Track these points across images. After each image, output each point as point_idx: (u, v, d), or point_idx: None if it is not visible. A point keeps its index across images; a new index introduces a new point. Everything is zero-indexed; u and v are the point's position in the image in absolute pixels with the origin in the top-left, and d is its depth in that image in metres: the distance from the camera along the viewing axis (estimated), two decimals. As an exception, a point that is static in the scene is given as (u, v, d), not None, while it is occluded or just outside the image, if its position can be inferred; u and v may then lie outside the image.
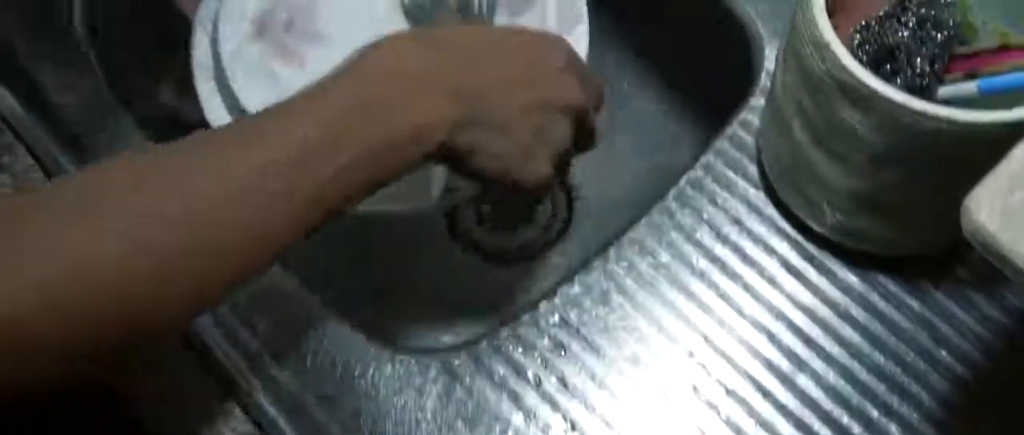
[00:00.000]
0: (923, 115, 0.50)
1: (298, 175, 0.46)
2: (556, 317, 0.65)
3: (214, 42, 0.69)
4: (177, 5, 0.76)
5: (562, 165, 0.57)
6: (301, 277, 0.71)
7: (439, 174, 0.66)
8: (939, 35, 0.55)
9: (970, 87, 0.54)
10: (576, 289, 0.66)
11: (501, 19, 0.71)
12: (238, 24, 0.69)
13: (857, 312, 0.64)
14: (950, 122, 0.49)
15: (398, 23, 0.71)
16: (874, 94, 0.50)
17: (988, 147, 0.47)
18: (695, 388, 0.62)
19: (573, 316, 0.65)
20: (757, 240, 0.67)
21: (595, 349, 0.64)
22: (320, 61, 0.70)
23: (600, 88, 0.59)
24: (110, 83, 0.77)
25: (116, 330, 0.44)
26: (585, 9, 0.71)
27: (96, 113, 0.75)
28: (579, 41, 0.70)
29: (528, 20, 0.70)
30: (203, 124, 0.82)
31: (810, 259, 0.66)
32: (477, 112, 0.51)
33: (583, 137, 0.58)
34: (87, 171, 0.48)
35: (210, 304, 0.49)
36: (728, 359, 0.63)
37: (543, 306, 0.66)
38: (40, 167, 0.73)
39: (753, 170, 0.69)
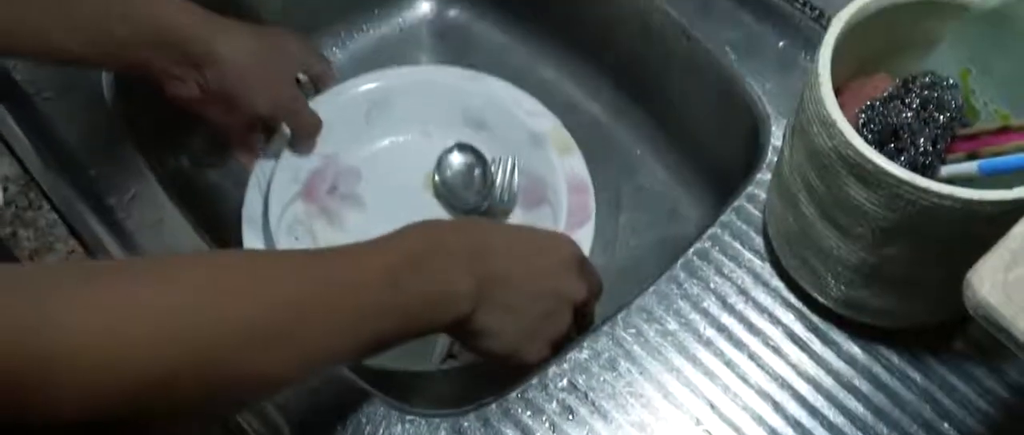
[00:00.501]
0: (926, 192, 0.51)
1: (381, 297, 0.54)
2: (565, 381, 0.66)
3: (265, 200, 0.79)
4: (235, 158, 0.84)
5: (559, 346, 0.65)
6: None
7: (442, 342, 0.72)
8: (941, 116, 0.57)
9: (971, 167, 0.56)
10: (585, 354, 0.67)
11: (518, 211, 0.83)
12: (289, 187, 0.79)
13: (861, 383, 0.65)
14: (952, 199, 0.51)
15: (428, 199, 0.85)
16: (879, 171, 0.52)
17: (989, 224, 0.49)
18: (701, 455, 0.63)
19: (581, 381, 0.66)
20: (763, 310, 0.68)
21: (603, 414, 0.65)
22: (358, 225, 0.81)
23: (599, 282, 0.67)
24: (137, 144, 0.79)
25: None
26: (593, 210, 0.81)
27: (120, 172, 0.77)
28: (585, 237, 0.80)
29: (543, 214, 0.81)
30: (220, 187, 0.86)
31: (815, 330, 0.67)
32: (496, 295, 0.59)
33: (582, 323, 0.67)
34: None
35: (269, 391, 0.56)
36: (734, 426, 0.64)
37: (552, 370, 0.67)
38: (64, 223, 0.74)
39: (759, 242, 0.71)
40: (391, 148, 0.85)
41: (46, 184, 0.76)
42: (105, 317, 0.43)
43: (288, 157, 0.80)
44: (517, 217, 0.85)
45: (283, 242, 0.76)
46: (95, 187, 0.76)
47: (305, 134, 0.80)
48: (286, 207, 0.78)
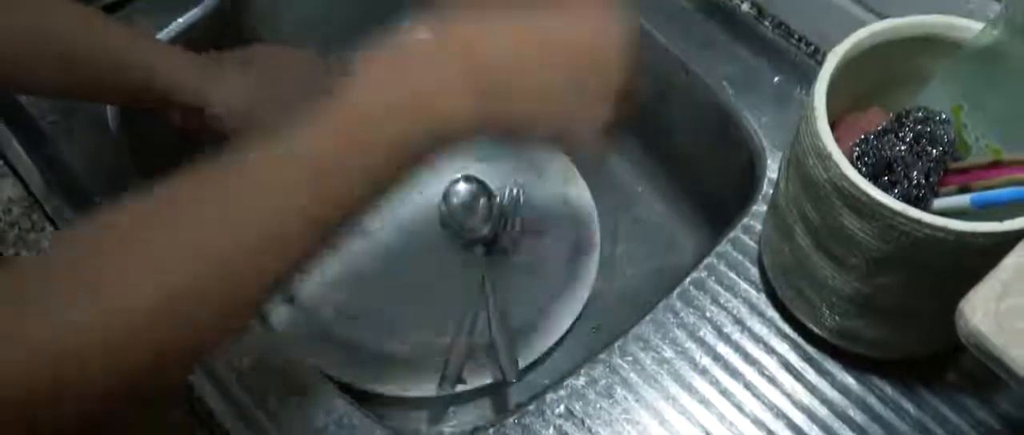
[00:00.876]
0: (919, 223, 0.52)
1: (319, 177, 0.46)
2: (561, 408, 0.67)
3: None
4: None
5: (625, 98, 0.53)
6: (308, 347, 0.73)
7: (454, 364, 0.75)
8: (934, 150, 0.58)
9: (963, 200, 0.57)
10: (581, 381, 0.68)
11: (524, 240, 0.86)
12: None
13: (854, 413, 0.65)
14: (945, 231, 0.52)
15: (435, 229, 0.85)
16: (874, 202, 0.53)
17: (981, 255, 0.49)
18: (696, 482, 0.64)
19: (578, 408, 0.67)
20: (758, 340, 0.69)
21: (599, 441, 0.65)
22: (364, 255, 0.79)
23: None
24: (140, 168, 0.80)
25: (158, 358, 0.44)
26: (599, 239, 0.86)
27: (123, 196, 0.78)
28: (590, 265, 0.84)
29: (547, 243, 0.85)
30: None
31: (809, 360, 0.68)
32: (512, 87, 0.48)
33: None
34: (100, 221, 0.47)
35: (245, 318, 0.49)
36: (729, 455, 0.65)
37: (549, 397, 0.67)
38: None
39: (755, 272, 0.72)
40: None
41: (49, 207, 0.76)
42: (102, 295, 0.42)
43: None
44: (524, 247, 0.86)
45: None
46: (97, 210, 0.77)
47: None
48: None
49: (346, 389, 0.75)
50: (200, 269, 0.44)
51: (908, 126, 0.59)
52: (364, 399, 0.76)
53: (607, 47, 0.51)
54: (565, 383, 0.68)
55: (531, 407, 0.67)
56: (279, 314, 0.82)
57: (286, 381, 0.68)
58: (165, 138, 0.86)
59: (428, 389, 0.77)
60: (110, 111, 0.82)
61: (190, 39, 0.86)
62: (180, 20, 0.88)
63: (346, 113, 0.47)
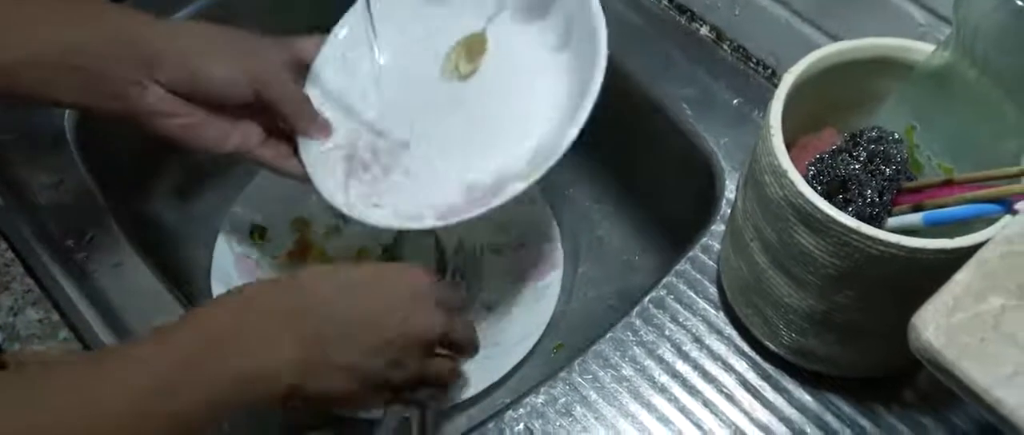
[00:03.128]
0: (873, 241, 0.53)
1: (170, 398, 0.52)
2: (520, 426, 0.67)
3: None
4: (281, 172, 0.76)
5: (441, 384, 0.65)
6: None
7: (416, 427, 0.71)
8: (888, 169, 0.59)
9: (916, 218, 0.58)
10: (540, 399, 0.68)
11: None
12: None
13: (811, 430, 0.66)
14: (898, 248, 0.53)
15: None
16: (828, 220, 0.54)
17: (933, 272, 0.50)
18: (655, 500, 0.64)
19: (537, 426, 0.67)
20: (716, 358, 0.69)
21: (559, 459, 0.65)
22: (415, 164, 0.76)
23: (461, 299, 0.67)
24: (98, 185, 0.79)
25: None
26: (561, 258, 0.87)
27: (80, 213, 0.77)
28: (553, 284, 0.85)
29: (513, 259, 0.83)
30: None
31: (767, 378, 0.68)
32: (329, 355, 0.57)
33: (459, 349, 0.67)
34: None
35: None
36: (687, 472, 0.65)
37: (508, 415, 0.67)
38: (20, 262, 0.74)
39: (713, 291, 0.72)
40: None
41: (3, 223, 0.75)
42: None
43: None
44: (486, 268, 0.86)
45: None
46: (53, 228, 0.76)
47: (304, 119, 0.71)
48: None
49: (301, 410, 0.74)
50: None
51: (862, 146, 0.60)
52: (319, 419, 0.76)
53: (419, 284, 0.63)
54: (524, 401, 0.68)
55: (490, 425, 0.67)
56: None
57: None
58: (124, 156, 0.86)
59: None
60: (68, 128, 0.81)
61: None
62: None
63: (187, 345, 0.54)
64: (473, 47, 0.75)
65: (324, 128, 0.73)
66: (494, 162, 0.69)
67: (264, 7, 0.94)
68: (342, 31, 0.76)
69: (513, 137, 0.70)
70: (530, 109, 0.71)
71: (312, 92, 0.74)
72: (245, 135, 0.71)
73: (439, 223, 0.66)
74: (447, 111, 0.74)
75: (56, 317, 0.71)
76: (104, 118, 0.68)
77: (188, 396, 0.52)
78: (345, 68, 0.75)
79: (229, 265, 0.85)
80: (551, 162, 0.65)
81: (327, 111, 0.74)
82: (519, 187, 0.65)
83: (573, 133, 0.66)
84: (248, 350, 0.54)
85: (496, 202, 0.65)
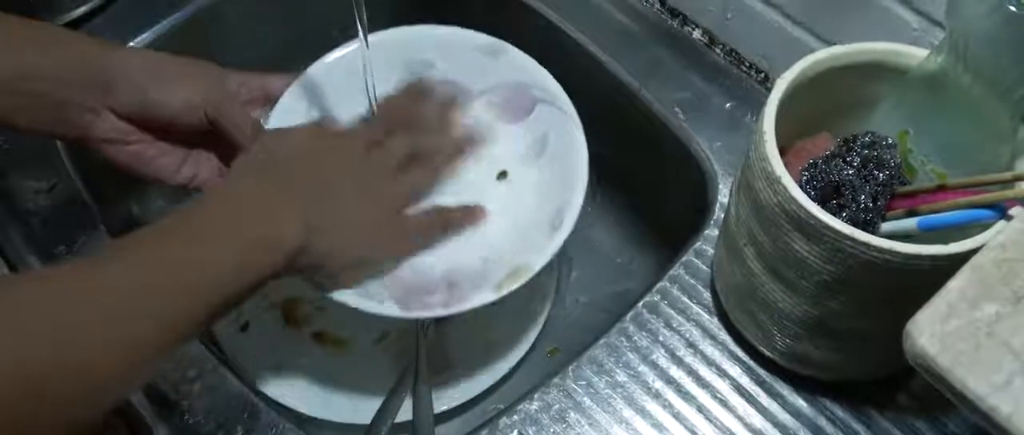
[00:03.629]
0: (867, 246, 0.53)
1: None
2: (515, 433, 0.66)
3: None
4: None
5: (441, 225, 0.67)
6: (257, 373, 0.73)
7: None
8: (881, 174, 0.59)
9: (910, 223, 0.57)
10: (535, 405, 0.68)
11: None
12: None
13: (805, 435, 0.66)
14: (892, 254, 0.53)
15: None
16: (822, 225, 0.54)
17: (927, 278, 0.50)
18: (649, 506, 0.64)
19: (531, 432, 0.67)
20: (710, 363, 0.69)
21: (553, 465, 0.65)
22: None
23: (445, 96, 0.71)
24: (88, 192, 0.79)
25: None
26: (553, 265, 0.82)
27: (70, 220, 0.77)
28: (546, 292, 0.84)
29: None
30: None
31: (761, 383, 0.68)
32: (326, 213, 0.60)
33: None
34: None
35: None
36: (682, 478, 0.65)
37: (502, 422, 0.67)
38: (9, 269, 0.74)
39: (707, 296, 0.72)
40: None
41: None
42: None
43: None
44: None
45: None
46: (43, 234, 0.76)
47: (244, 135, 0.68)
48: None
49: (294, 416, 0.74)
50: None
51: (856, 151, 0.60)
52: (312, 426, 0.76)
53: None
54: (518, 407, 0.68)
55: (484, 432, 0.67)
56: (230, 340, 0.81)
57: (234, 407, 0.67)
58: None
59: (358, 416, 0.76)
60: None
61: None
62: (144, 35, 0.87)
63: (207, 217, 0.57)
64: None
65: None
66: (471, 261, 0.68)
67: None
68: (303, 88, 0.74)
69: (491, 239, 0.69)
70: (507, 210, 0.71)
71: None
72: (199, 166, 0.71)
73: (400, 314, 0.64)
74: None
75: (47, 324, 0.71)
76: (61, 140, 0.69)
77: (218, 257, 0.55)
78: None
79: None
80: (521, 282, 0.65)
81: None
82: (487, 298, 0.65)
83: (544, 259, 0.67)
84: (253, 220, 0.57)
85: (459, 309, 0.65)
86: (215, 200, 0.60)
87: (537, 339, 0.83)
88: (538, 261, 0.66)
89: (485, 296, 0.64)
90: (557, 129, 0.72)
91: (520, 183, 0.72)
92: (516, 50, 0.76)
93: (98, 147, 0.67)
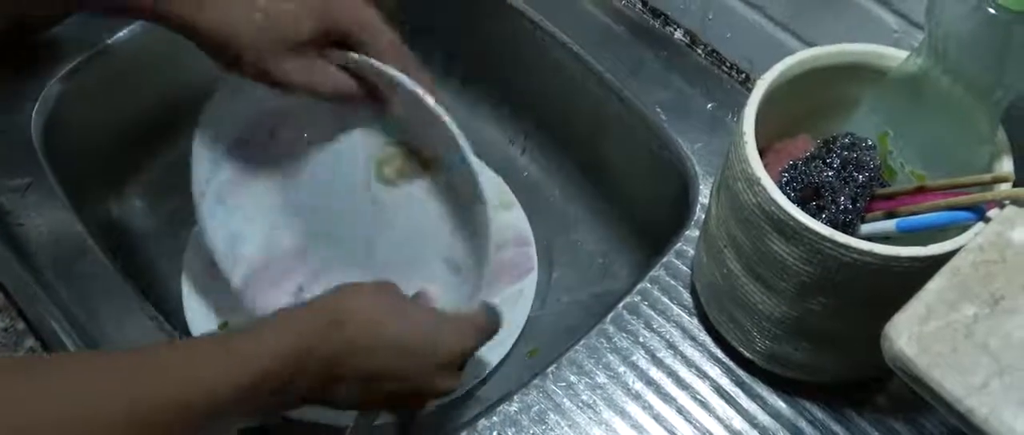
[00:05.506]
0: (846, 248, 0.53)
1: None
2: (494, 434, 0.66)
3: None
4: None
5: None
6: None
7: None
8: (861, 176, 0.59)
9: (889, 225, 0.58)
10: (514, 407, 0.67)
11: None
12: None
13: (785, 437, 0.66)
14: (871, 255, 0.53)
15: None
16: (801, 227, 0.54)
17: (906, 279, 0.50)
18: (629, 508, 0.63)
19: (511, 433, 0.66)
20: (690, 364, 0.69)
21: (532, 467, 0.65)
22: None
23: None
24: (63, 189, 0.78)
25: None
26: (536, 262, 0.85)
27: (45, 217, 0.76)
28: (529, 287, 0.84)
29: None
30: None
31: (741, 384, 0.68)
32: (341, 386, 0.58)
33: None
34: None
35: None
36: (661, 480, 0.65)
37: (481, 423, 0.67)
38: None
39: (687, 297, 0.72)
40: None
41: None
42: None
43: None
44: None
45: None
46: (19, 233, 0.75)
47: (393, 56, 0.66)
48: None
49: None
50: None
51: (835, 152, 0.60)
52: (287, 425, 0.75)
53: (453, 351, 0.62)
54: (498, 409, 0.67)
55: (463, 433, 0.66)
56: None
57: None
58: (91, 158, 0.85)
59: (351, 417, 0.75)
60: (34, 131, 0.80)
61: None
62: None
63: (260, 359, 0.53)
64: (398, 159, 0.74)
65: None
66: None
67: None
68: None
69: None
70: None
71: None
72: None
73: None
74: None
75: (22, 325, 0.70)
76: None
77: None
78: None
79: (199, 270, 0.84)
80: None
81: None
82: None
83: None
84: (289, 393, 0.55)
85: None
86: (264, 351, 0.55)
87: (517, 339, 0.82)
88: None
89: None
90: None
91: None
92: None
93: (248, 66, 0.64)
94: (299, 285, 0.78)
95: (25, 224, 0.75)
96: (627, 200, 0.90)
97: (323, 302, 0.59)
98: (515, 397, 0.68)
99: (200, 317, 0.82)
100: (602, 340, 0.70)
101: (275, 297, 0.76)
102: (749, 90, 0.82)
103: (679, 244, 0.75)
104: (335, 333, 0.57)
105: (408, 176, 0.74)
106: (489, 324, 0.65)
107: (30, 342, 0.69)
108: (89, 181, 0.85)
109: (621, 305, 0.72)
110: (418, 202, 0.73)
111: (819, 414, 0.67)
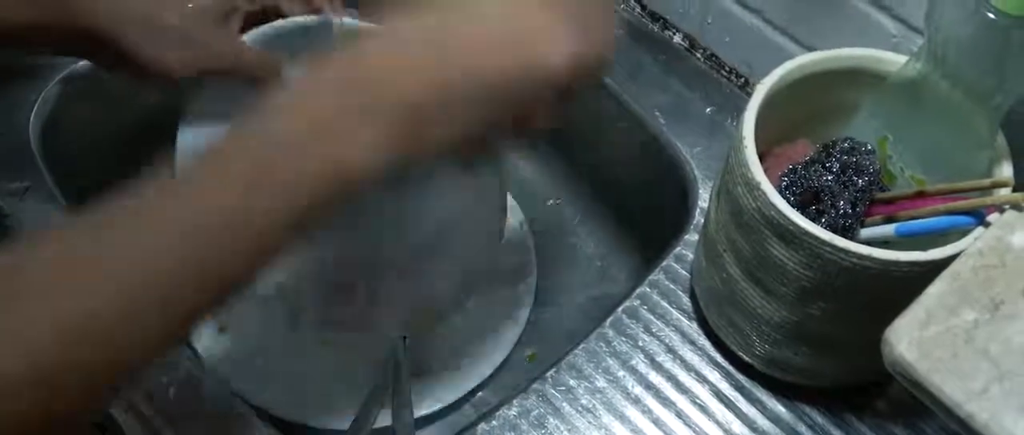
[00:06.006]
0: (846, 253, 0.53)
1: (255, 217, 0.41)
2: (494, 439, 0.66)
3: None
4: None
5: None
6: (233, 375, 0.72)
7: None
8: (860, 180, 0.59)
9: (889, 230, 0.57)
10: (514, 411, 0.67)
11: None
12: None
13: (785, 441, 0.66)
14: (871, 260, 0.53)
15: None
16: (801, 231, 0.54)
17: (905, 284, 0.50)
18: (628, 512, 0.63)
19: (510, 438, 0.66)
20: (690, 369, 0.69)
21: (531, 471, 0.65)
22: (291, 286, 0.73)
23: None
24: (61, 189, 0.78)
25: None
26: (535, 265, 0.84)
27: (41, 216, 0.76)
28: (527, 291, 0.83)
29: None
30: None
31: (740, 389, 0.68)
32: (421, 134, 0.42)
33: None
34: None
35: (181, 334, 0.44)
36: (661, 484, 0.65)
37: (481, 428, 0.67)
38: None
39: (687, 301, 0.72)
40: None
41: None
42: None
43: None
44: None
45: None
46: (12, 231, 0.75)
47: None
48: None
49: (270, 419, 0.74)
50: (68, 339, 0.39)
51: (835, 157, 0.60)
52: (288, 429, 0.75)
53: (545, 69, 0.44)
54: (497, 413, 0.67)
55: (463, 439, 0.66)
56: (206, 341, 0.80)
57: (209, 409, 0.66)
58: (87, 158, 0.85)
59: (343, 422, 0.75)
60: (32, 132, 0.80)
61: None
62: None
63: (251, 152, 0.41)
64: None
65: None
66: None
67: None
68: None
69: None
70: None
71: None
72: None
73: None
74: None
75: (20, 329, 0.70)
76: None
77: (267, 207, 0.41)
78: None
79: None
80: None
81: None
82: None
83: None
84: (316, 153, 0.41)
85: None
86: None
87: (516, 344, 0.82)
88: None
89: None
90: None
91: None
92: None
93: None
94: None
95: (23, 228, 0.75)
96: (625, 203, 0.90)
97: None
98: (514, 401, 0.68)
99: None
100: (601, 344, 0.70)
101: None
102: (748, 94, 0.82)
103: (678, 248, 0.75)
104: (355, 60, 0.43)
105: None
106: None
107: (28, 346, 0.69)
108: (87, 184, 0.85)
109: (620, 309, 0.72)
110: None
111: (818, 418, 0.67)
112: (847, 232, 0.58)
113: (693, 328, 0.71)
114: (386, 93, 0.42)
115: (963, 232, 0.54)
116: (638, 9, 0.89)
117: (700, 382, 0.68)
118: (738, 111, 0.76)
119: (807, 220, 0.54)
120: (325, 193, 0.41)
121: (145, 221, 0.41)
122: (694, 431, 0.66)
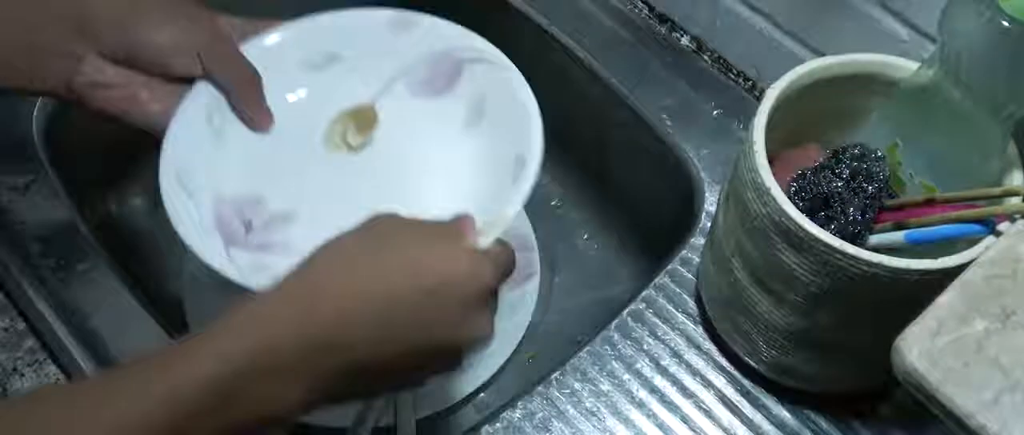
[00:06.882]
0: (855, 260, 0.53)
1: None
2: (497, 441, 0.66)
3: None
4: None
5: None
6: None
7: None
8: (870, 187, 0.58)
9: (898, 237, 0.57)
10: (518, 414, 0.67)
11: None
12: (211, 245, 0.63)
13: (789, 447, 0.66)
14: (880, 267, 0.52)
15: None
16: (810, 238, 0.54)
17: (914, 292, 0.50)
18: (632, 517, 0.63)
19: (514, 441, 0.66)
20: (695, 373, 0.69)
21: (535, 474, 0.65)
22: (301, 239, 0.69)
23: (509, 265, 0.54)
24: (66, 190, 0.78)
25: None
26: (538, 266, 0.83)
27: (47, 218, 0.76)
28: (531, 292, 0.83)
29: None
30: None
31: (745, 394, 0.68)
32: (342, 383, 0.47)
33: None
34: None
35: None
36: (665, 489, 0.64)
37: (484, 430, 0.67)
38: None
39: (692, 305, 0.72)
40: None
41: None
42: None
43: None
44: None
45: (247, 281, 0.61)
46: (19, 232, 0.75)
47: (243, 84, 0.63)
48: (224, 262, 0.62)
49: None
50: None
51: (845, 163, 0.60)
52: (289, 428, 0.75)
53: (478, 287, 0.49)
54: (501, 416, 0.67)
55: (468, 442, 0.66)
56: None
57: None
58: (93, 160, 0.84)
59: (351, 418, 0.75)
60: (36, 132, 0.80)
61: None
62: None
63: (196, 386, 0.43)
64: (361, 119, 0.68)
65: (266, 119, 0.65)
66: None
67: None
68: (204, 91, 0.64)
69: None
70: (435, 187, 0.64)
71: (170, 156, 0.62)
72: None
73: None
74: (335, 186, 0.65)
75: (22, 325, 0.70)
76: (36, 96, 0.64)
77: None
78: (212, 131, 0.65)
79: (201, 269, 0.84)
80: (498, 230, 0.56)
81: (194, 177, 0.63)
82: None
83: (513, 209, 0.58)
84: (256, 404, 0.45)
85: None
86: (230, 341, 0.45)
87: (518, 346, 0.82)
88: (511, 208, 0.58)
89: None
90: (494, 85, 0.65)
91: (465, 155, 0.66)
92: (428, 17, 0.68)
93: (85, 97, 0.60)
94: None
95: (26, 223, 0.75)
96: (631, 206, 0.90)
97: (293, 284, 0.47)
98: (518, 404, 0.67)
99: (200, 317, 0.82)
100: (606, 347, 0.70)
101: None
102: (756, 97, 0.82)
103: (684, 251, 0.75)
104: (308, 320, 0.46)
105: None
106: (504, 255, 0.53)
107: (30, 342, 0.69)
108: (90, 180, 0.85)
109: (626, 312, 0.71)
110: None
111: (824, 424, 0.66)
112: (856, 239, 0.57)
113: (698, 332, 0.71)
114: (336, 354, 0.46)
115: (972, 240, 0.53)
116: (646, 11, 0.89)
117: (705, 387, 0.68)
118: (746, 114, 0.76)
119: (818, 227, 0.54)
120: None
121: (78, 415, 0.43)
122: (699, 436, 0.66)
